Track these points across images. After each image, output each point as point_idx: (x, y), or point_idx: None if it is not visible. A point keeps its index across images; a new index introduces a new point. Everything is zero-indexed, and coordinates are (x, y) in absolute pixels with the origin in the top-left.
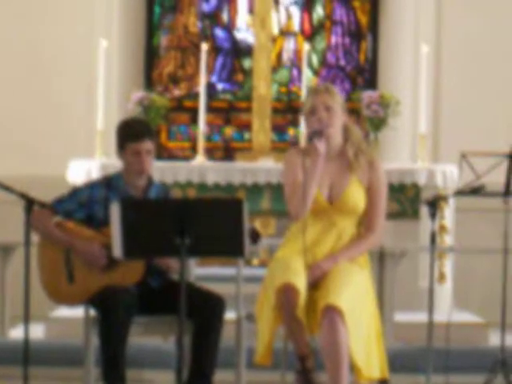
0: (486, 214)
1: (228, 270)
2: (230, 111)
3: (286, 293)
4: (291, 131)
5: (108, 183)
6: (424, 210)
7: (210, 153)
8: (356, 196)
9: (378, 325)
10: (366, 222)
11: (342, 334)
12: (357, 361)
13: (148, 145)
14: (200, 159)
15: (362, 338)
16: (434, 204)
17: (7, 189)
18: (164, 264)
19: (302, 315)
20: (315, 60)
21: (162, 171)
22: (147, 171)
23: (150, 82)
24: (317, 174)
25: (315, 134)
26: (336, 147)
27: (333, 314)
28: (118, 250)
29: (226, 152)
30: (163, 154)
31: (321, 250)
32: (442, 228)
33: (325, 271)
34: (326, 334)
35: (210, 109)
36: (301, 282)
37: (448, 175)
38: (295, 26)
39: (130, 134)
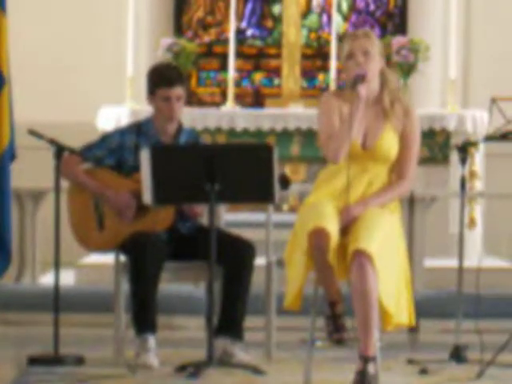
0: None
1: (258, 216)
2: (260, 57)
3: (318, 237)
4: (321, 77)
5: (138, 129)
6: (454, 156)
7: (240, 99)
8: (389, 144)
9: (408, 271)
10: (397, 169)
11: (372, 278)
12: (386, 306)
13: (178, 91)
14: (230, 105)
15: (392, 283)
16: (464, 149)
17: (37, 135)
18: (190, 211)
19: (333, 260)
20: (345, 5)
21: (192, 117)
22: (177, 117)
23: (179, 28)
24: (357, 118)
25: (358, 79)
26: (373, 93)
27: (362, 258)
28: (147, 197)
29: (256, 98)
30: (193, 99)
31: (352, 195)
32: (472, 173)
33: (355, 216)
34: (355, 279)
35: (240, 55)
36: (332, 226)
37: (478, 120)
38: None
39: (160, 79)
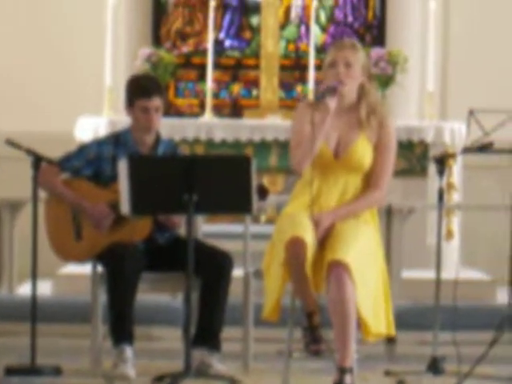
0: (494, 171)
1: (235, 227)
2: (238, 68)
3: (295, 246)
4: (299, 88)
5: (116, 140)
6: (432, 168)
7: (218, 110)
8: (362, 153)
9: (386, 280)
10: (371, 179)
11: (349, 289)
12: (365, 316)
13: (157, 102)
14: (208, 116)
15: (370, 294)
16: (442, 161)
17: (15, 145)
18: (168, 221)
19: (309, 272)
20: (323, 17)
21: (170, 128)
22: (155, 128)
23: (157, 39)
24: (323, 130)
25: (328, 91)
26: (349, 103)
27: (339, 269)
28: (125, 207)
29: (234, 109)
30: (171, 110)
31: (325, 205)
32: (450, 185)
33: (325, 225)
34: (332, 290)
35: (218, 66)
36: (309, 236)
37: (456, 132)
38: None
39: (139, 90)
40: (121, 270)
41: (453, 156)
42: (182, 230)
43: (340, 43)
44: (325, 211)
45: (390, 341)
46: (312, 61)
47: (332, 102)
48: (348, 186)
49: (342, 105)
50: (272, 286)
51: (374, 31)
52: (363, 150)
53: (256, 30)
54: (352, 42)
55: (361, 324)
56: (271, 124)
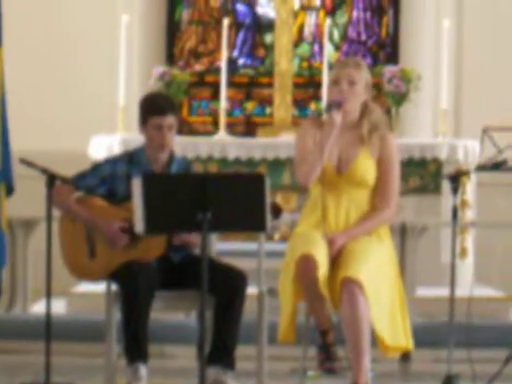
0: (508, 189)
1: (249, 245)
2: (252, 86)
3: (305, 263)
4: (312, 106)
5: (130, 158)
6: (446, 185)
7: (232, 128)
8: (364, 167)
9: (402, 295)
10: (378, 196)
11: (362, 306)
12: (380, 332)
13: (170, 120)
14: (221, 134)
15: (385, 309)
16: (456, 179)
17: (29, 164)
18: (184, 241)
19: (325, 290)
20: (336, 35)
21: (184, 146)
22: (169, 146)
23: (171, 57)
24: (329, 143)
25: (334, 105)
26: (351, 120)
27: (352, 286)
28: (139, 226)
29: (248, 127)
30: (184, 129)
31: (333, 223)
32: (464, 203)
33: (339, 247)
34: (345, 307)
35: (232, 84)
36: (321, 254)
37: (470, 150)
38: (317, 0)
39: (152, 108)
40: (135, 289)
41: (466, 174)
42: (196, 249)
43: (344, 61)
44: (338, 231)
45: (405, 358)
46: (325, 78)
47: (338, 116)
48: (353, 202)
49: (344, 122)
50: (285, 306)
51: (387, 49)
52: (365, 165)
53: (269, 48)
54: (356, 60)
55: (377, 340)
56: (285, 142)
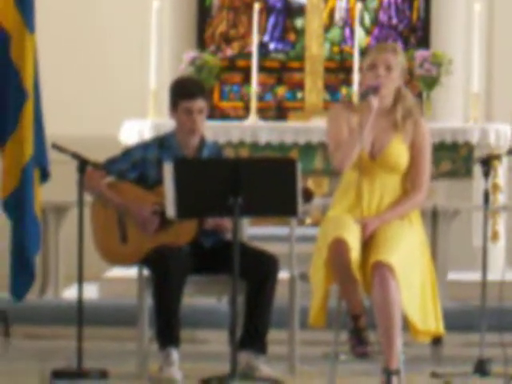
0: None
1: (281, 230)
2: (283, 71)
3: (337, 247)
4: (343, 90)
5: (161, 143)
6: (477, 169)
7: (263, 112)
8: (397, 153)
9: (434, 280)
10: (410, 181)
11: (393, 290)
12: (411, 316)
13: (200, 103)
14: (252, 119)
15: (416, 294)
16: (487, 163)
17: (60, 149)
18: (216, 226)
19: (358, 274)
20: (367, 19)
21: (215, 131)
22: (199, 130)
23: (202, 42)
24: (367, 128)
25: (371, 90)
26: (385, 106)
27: (383, 270)
28: (171, 210)
29: (279, 112)
30: (216, 113)
31: (366, 208)
32: (495, 187)
33: (371, 231)
34: (377, 291)
35: (263, 68)
36: (353, 238)
37: (501, 134)
38: None
39: (182, 92)
40: (167, 273)
41: (498, 157)
42: (227, 233)
43: (381, 46)
44: (370, 216)
45: (437, 342)
46: (356, 63)
47: (375, 101)
48: (386, 187)
49: (378, 107)
50: (317, 290)
51: (418, 33)
52: (398, 151)
53: (300, 33)
54: (393, 45)
55: (408, 324)
56: (316, 126)
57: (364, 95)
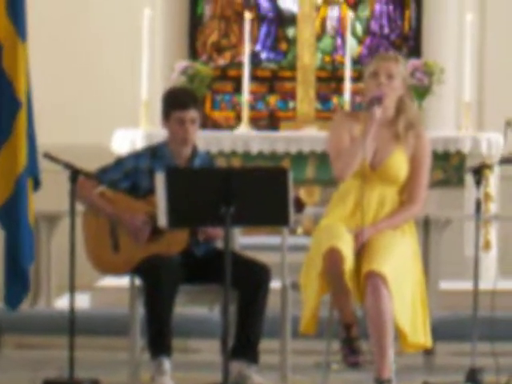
0: None
1: (273, 239)
2: (274, 80)
3: (332, 257)
4: (335, 100)
5: (153, 153)
6: (469, 178)
7: (255, 122)
8: (398, 165)
9: (424, 292)
10: (407, 192)
11: (386, 299)
12: (402, 327)
13: (193, 114)
14: (244, 128)
15: (407, 304)
16: (479, 172)
17: (52, 158)
18: (209, 236)
19: (350, 283)
20: (359, 28)
21: (207, 141)
22: (191, 140)
23: (193, 52)
24: (369, 138)
25: (375, 100)
26: (387, 116)
27: (376, 279)
28: (162, 220)
29: (271, 121)
30: (207, 123)
31: (364, 216)
32: (487, 196)
33: (365, 240)
34: (369, 300)
35: (254, 78)
36: (347, 248)
37: (493, 143)
38: None
39: (174, 102)
40: (158, 283)
41: (490, 167)
42: (219, 243)
43: (383, 55)
44: (366, 223)
45: (428, 352)
46: (348, 72)
47: (378, 111)
48: (385, 198)
49: (382, 117)
50: (309, 298)
51: (410, 42)
52: (399, 163)
53: (292, 42)
54: (395, 54)
55: (398, 335)
56: (308, 136)
57: (369, 105)
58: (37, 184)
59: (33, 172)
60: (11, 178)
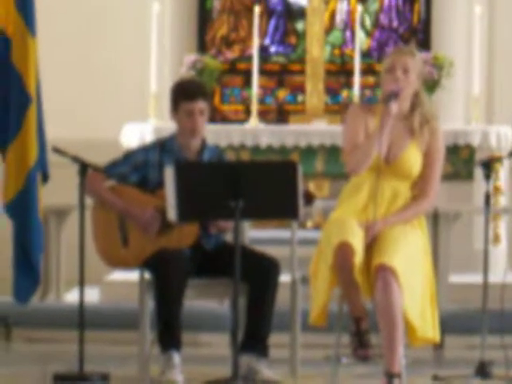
0: None
1: (282, 233)
2: (283, 74)
3: (343, 251)
4: (344, 93)
5: (161, 146)
6: (478, 172)
7: (264, 115)
8: (412, 160)
9: (433, 286)
10: (420, 187)
11: (396, 293)
12: (411, 321)
13: (201, 105)
14: (253, 122)
15: (417, 298)
16: (488, 165)
17: (61, 152)
18: (220, 229)
19: (359, 277)
20: (368, 22)
21: (216, 134)
22: (200, 131)
23: (203, 45)
24: (385, 133)
25: (392, 95)
26: (403, 111)
27: (386, 273)
28: (172, 214)
29: (280, 114)
30: (217, 116)
31: (377, 209)
32: (497, 189)
33: (376, 233)
34: (379, 294)
35: (263, 71)
36: (357, 242)
37: (502, 136)
38: None
39: (183, 93)
40: (168, 277)
41: (499, 160)
42: (228, 236)
43: (399, 49)
44: (379, 216)
45: (437, 346)
46: (357, 66)
47: (395, 106)
48: (397, 193)
49: (397, 112)
50: (319, 291)
51: (419, 35)
52: (414, 158)
53: (301, 36)
54: (411, 48)
55: (407, 328)
56: (317, 129)
57: (386, 100)
58: (45, 178)
59: (42, 166)
60: (22, 172)
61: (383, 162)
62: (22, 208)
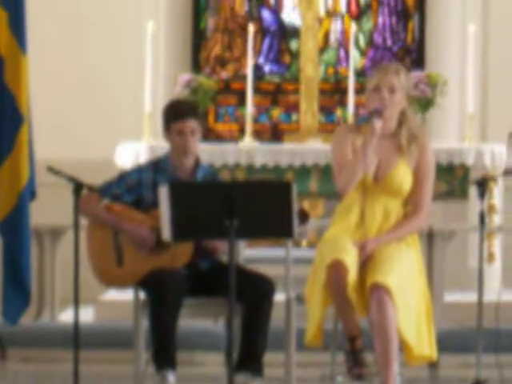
0: None
1: (277, 252)
2: (278, 93)
3: (336, 269)
4: (339, 112)
5: (156, 166)
6: (473, 190)
7: (258, 135)
8: (402, 177)
9: (429, 304)
10: (412, 204)
11: (391, 312)
12: (407, 339)
13: (192, 124)
14: (248, 141)
15: (412, 317)
16: (483, 184)
17: (56, 172)
18: (211, 246)
19: (353, 296)
20: (362, 40)
21: (210, 153)
22: (192, 151)
23: (197, 65)
24: (370, 151)
25: (375, 113)
26: (389, 129)
27: (380, 292)
28: (166, 233)
29: (274, 134)
30: (211, 136)
31: (369, 229)
32: (491, 208)
33: (369, 252)
34: (374, 313)
35: (258, 90)
36: (350, 260)
37: (496, 155)
38: (342, 6)
39: (173, 114)
40: (163, 296)
41: (493, 178)
42: (223, 256)
43: (384, 67)
44: (370, 236)
45: (432, 364)
46: (352, 85)
47: (378, 124)
48: (389, 211)
49: (382, 129)
50: (314, 311)
51: (413, 54)
52: (403, 175)
53: (295, 55)
54: (396, 66)
55: (403, 347)
56: (311, 148)
57: (369, 118)
58: (33, 195)
59: (31, 185)
60: (14, 192)
61: (372, 180)
62: (14, 227)
